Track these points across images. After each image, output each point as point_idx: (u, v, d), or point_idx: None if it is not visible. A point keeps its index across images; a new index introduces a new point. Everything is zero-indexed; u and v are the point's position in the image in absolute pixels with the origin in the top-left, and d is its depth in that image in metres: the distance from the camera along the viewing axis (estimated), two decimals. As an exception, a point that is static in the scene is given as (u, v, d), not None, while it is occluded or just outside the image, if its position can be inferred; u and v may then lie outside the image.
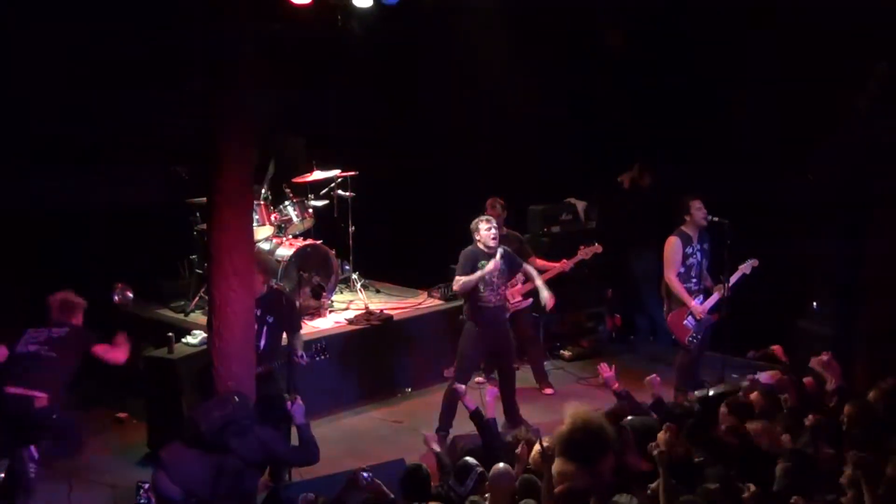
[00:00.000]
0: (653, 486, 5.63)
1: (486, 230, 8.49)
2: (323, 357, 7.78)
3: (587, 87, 11.09)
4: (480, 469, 6.05)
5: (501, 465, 6.02)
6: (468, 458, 6.20)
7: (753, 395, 6.92)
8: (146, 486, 6.03)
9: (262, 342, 7.51)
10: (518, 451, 6.49)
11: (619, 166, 11.29)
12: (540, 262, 9.59)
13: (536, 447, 6.23)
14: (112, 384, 9.37)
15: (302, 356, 7.62)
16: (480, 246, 8.54)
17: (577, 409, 5.81)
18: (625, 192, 11.23)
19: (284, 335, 7.80)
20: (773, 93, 9.54)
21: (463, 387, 7.55)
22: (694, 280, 9.06)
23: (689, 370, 9.23)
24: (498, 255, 8.45)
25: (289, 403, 6.65)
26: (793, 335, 9.31)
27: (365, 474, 5.95)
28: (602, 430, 5.68)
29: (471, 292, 8.53)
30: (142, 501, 5.96)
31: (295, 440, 6.87)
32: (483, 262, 8.47)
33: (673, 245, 8.99)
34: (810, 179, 9.49)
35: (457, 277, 8.51)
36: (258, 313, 7.40)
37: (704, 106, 10.25)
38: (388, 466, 6.73)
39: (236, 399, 6.51)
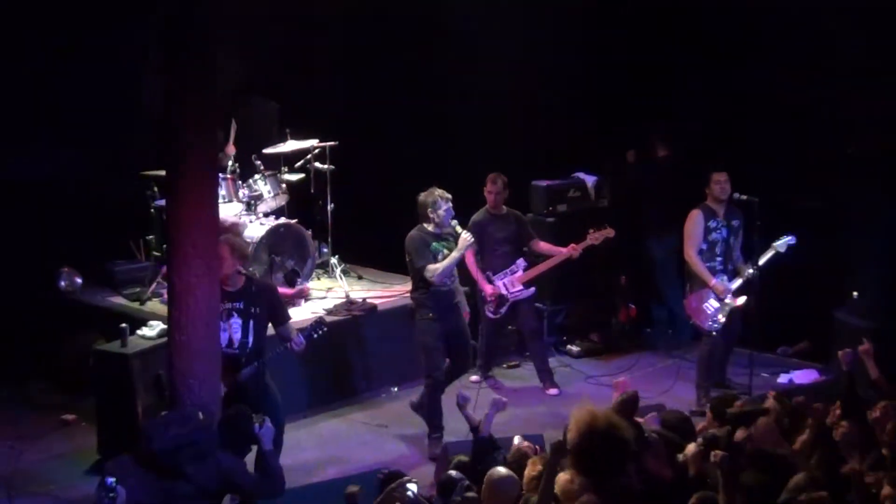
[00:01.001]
0: None
1: (444, 210, 8.40)
2: (323, 331, 7.81)
3: (598, 44, 11.08)
4: (467, 483, 6.05)
5: (503, 469, 6.01)
6: (452, 473, 6.24)
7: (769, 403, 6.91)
8: (110, 481, 5.88)
9: (251, 337, 7.55)
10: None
11: (634, 136, 11.25)
12: (545, 246, 9.53)
13: (530, 469, 6.19)
14: (58, 382, 9.57)
15: (300, 341, 7.67)
16: (428, 227, 8.47)
17: (580, 412, 5.60)
18: (638, 166, 11.22)
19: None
20: (810, 64, 9.68)
21: (468, 394, 7.60)
22: (719, 259, 9.17)
23: (712, 363, 9.29)
24: (467, 236, 8.35)
25: (256, 426, 6.59)
26: (830, 329, 9.31)
27: (409, 493, 5.83)
28: (616, 433, 5.47)
29: (426, 279, 8.46)
30: (110, 496, 5.81)
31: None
32: (435, 244, 8.42)
33: (694, 218, 9.13)
34: (850, 152, 9.65)
35: (429, 267, 8.37)
36: (240, 305, 7.47)
37: (734, 71, 10.30)
38: (370, 476, 6.61)
39: (200, 417, 6.43)
